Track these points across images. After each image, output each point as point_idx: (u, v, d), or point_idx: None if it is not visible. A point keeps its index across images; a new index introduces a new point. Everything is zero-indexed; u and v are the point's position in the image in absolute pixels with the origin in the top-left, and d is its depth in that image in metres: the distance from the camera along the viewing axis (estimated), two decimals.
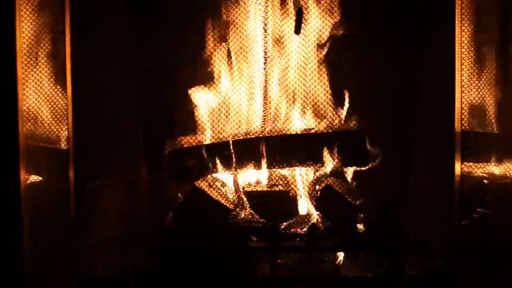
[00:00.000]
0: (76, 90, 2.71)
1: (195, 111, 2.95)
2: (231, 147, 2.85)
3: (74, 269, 2.70)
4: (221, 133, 2.92)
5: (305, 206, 2.88)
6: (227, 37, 2.96)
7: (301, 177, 2.91)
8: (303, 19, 2.88)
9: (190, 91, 2.96)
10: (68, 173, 2.71)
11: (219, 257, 2.75)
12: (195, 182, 2.88)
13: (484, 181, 2.76)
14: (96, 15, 2.81)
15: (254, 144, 2.86)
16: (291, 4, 2.90)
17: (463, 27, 2.70)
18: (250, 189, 2.91)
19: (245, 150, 2.85)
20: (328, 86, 2.94)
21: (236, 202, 2.90)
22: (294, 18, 2.88)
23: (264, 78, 2.95)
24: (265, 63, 2.94)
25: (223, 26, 2.97)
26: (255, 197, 2.88)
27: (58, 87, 2.69)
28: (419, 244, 2.87)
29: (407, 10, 2.94)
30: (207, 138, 2.92)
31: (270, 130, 2.93)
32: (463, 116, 2.71)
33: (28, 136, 2.53)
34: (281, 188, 2.91)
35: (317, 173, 2.91)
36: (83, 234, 2.74)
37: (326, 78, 2.94)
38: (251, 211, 2.88)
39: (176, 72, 2.98)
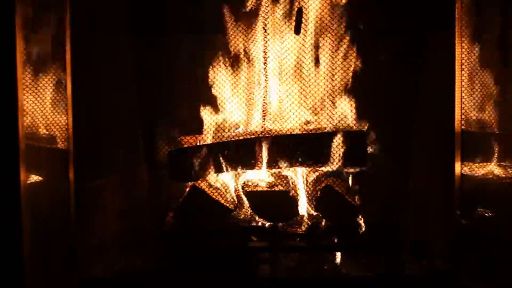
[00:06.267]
0: (76, 90, 2.71)
1: (195, 111, 2.95)
2: (231, 147, 2.85)
3: (74, 269, 2.70)
4: (221, 133, 2.92)
5: (305, 206, 2.88)
6: (228, 37, 2.97)
7: (301, 177, 2.91)
8: (303, 19, 2.88)
9: (190, 91, 2.96)
10: (68, 173, 2.71)
11: (219, 257, 2.75)
12: (195, 182, 2.88)
13: (484, 181, 2.77)
14: (97, 15, 2.81)
15: (254, 144, 2.86)
16: (291, 4, 2.91)
17: (463, 27, 2.70)
18: (250, 189, 2.91)
19: (245, 150, 2.85)
20: (328, 86, 2.94)
21: (236, 202, 2.90)
22: (294, 18, 2.88)
23: (264, 78, 2.95)
24: (265, 63, 2.95)
25: (223, 26, 2.97)
26: (255, 197, 2.88)
27: (58, 87, 2.69)
28: (419, 244, 2.88)
29: (408, 11, 2.94)
30: (207, 138, 2.91)
31: (270, 130, 2.93)
32: (463, 116, 2.71)
33: (28, 136, 2.53)
34: (281, 188, 2.91)
35: (317, 173, 2.91)
36: (83, 234, 2.74)
37: (326, 78, 2.94)
38: (251, 211, 2.88)
39: (176, 72, 2.98)
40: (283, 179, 2.93)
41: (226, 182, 2.93)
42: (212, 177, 2.90)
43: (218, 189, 2.90)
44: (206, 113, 2.95)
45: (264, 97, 2.96)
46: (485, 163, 2.78)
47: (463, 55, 2.70)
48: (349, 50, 2.94)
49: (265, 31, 2.94)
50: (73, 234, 2.70)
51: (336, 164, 2.85)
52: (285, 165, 2.86)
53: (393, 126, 3.00)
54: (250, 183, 2.95)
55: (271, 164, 2.86)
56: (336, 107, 2.93)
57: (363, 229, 2.82)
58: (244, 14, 2.95)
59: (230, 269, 2.73)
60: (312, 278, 2.75)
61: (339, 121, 2.91)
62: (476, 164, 2.77)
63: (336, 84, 2.93)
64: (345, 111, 2.93)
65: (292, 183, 2.91)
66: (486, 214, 2.72)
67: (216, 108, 2.96)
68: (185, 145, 2.92)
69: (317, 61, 2.93)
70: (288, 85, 2.94)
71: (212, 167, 2.85)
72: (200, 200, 2.86)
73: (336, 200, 2.84)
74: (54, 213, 2.66)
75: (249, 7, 2.95)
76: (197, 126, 2.95)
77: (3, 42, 2.39)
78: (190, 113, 2.97)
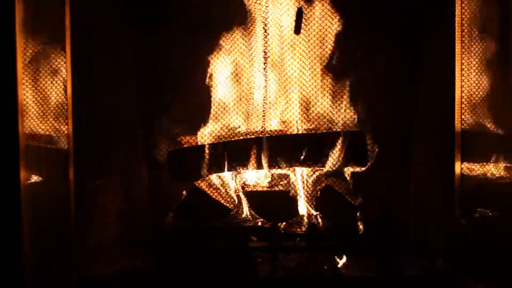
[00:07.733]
0: (76, 90, 2.71)
1: (195, 110, 2.95)
2: (231, 147, 2.85)
3: (74, 269, 2.70)
4: (221, 133, 2.92)
5: (305, 206, 2.88)
6: (228, 37, 2.97)
7: (301, 177, 2.91)
8: (303, 19, 2.88)
9: (191, 91, 2.96)
10: (68, 173, 2.71)
11: (219, 257, 2.75)
12: (195, 182, 2.88)
13: (484, 181, 2.76)
14: (97, 13, 2.81)
15: (254, 144, 2.86)
16: (291, 4, 2.91)
17: (463, 27, 2.70)
18: (250, 189, 2.91)
19: (245, 150, 2.85)
20: (328, 85, 2.94)
21: (236, 202, 2.90)
22: (294, 18, 2.88)
23: (264, 78, 2.95)
24: (265, 63, 2.95)
25: (223, 25, 2.97)
26: (255, 197, 2.88)
27: (58, 87, 2.69)
28: (419, 244, 2.88)
29: (407, 8, 2.94)
30: (207, 138, 2.92)
31: (271, 130, 2.93)
32: (463, 116, 2.71)
33: (28, 136, 2.53)
34: (281, 188, 2.91)
35: (317, 173, 2.91)
36: (83, 234, 2.74)
37: (326, 77, 2.94)
38: (251, 211, 2.88)
39: (177, 71, 2.98)
40: (283, 179, 2.93)
41: (226, 182, 2.93)
42: (212, 177, 2.90)
43: (218, 189, 2.90)
44: (206, 113, 2.95)
45: (264, 97, 2.96)
46: (485, 163, 2.78)
47: (463, 54, 2.70)
48: (349, 50, 2.94)
49: (265, 31, 2.94)
50: (73, 234, 2.70)
51: (336, 164, 2.85)
52: (285, 165, 2.87)
53: (393, 126, 3.00)
54: (250, 183, 2.95)
55: (271, 164, 2.86)
56: (336, 107, 2.93)
57: (363, 229, 2.83)
58: (244, 13, 2.95)
59: (230, 269, 2.73)
60: (312, 278, 2.75)
61: (339, 121, 2.91)
62: (476, 164, 2.77)
63: (336, 84, 2.93)
64: (345, 111, 2.93)
65: (292, 183, 2.91)
66: (486, 214, 2.72)
67: (216, 108, 2.96)
68: (185, 145, 2.92)
69: (317, 61, 2.93)
70: (288, 85, 2.94)
71: (212, 167, 2.85)
72: (200, 200, 2.86)
73: (336, 200, 2.84)
74: (54, 213, 2.66)
75: (249, 7, 2.95)
76: (197, 126, 2.95)
77: (4, 41, 2.39)
78: (191, 113, 2.97)
